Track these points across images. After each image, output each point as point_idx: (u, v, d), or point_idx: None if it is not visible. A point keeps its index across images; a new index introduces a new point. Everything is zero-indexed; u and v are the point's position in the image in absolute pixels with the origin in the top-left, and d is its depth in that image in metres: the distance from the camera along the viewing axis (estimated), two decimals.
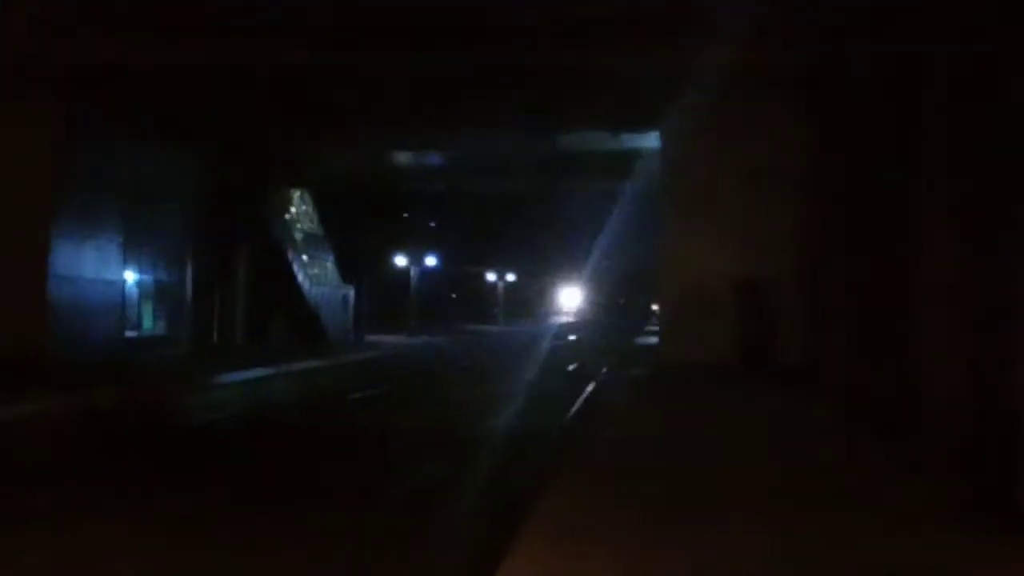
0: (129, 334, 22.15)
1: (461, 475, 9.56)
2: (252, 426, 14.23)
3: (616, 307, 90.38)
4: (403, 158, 27.31)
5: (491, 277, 69.89)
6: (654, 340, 25.61)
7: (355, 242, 37.59)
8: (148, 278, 23.38)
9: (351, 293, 37.46)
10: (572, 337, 47.80)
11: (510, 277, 72.21)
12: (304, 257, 33.31)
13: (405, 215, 46.24)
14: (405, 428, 13.66)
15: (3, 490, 8.89)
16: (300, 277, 32.20)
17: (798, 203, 17.87)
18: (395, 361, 29.41)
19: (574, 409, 15.30)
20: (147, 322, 23.44)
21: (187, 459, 11.04)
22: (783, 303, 18.46)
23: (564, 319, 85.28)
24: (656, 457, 9.79)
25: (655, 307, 41.85)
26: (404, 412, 15.94)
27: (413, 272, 45.04)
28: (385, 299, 44.87)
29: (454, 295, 61.10)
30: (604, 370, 23.81)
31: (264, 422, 14.80)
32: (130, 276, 22.37)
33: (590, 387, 19.24)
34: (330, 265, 36.29)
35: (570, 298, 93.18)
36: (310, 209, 35.00)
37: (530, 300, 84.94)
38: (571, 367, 25.05)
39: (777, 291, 18.58)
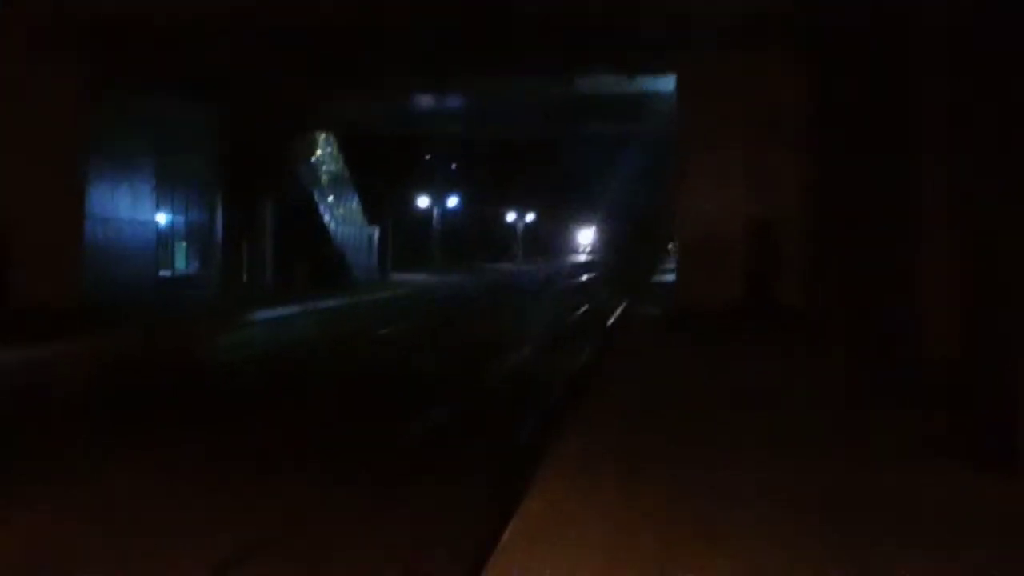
0: (163, 273, 22.68)
1: (474, 418, 10.12)
2: (281, 364, 14.81)
3: (632, 247, 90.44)
4: (424, 102, 26.96)
5: (510, 217, 70.10)
6: (670, 278, 25.76)
7: (379, 183, 37.68)
8: (180, 219, 23.56)
9: (376, 233, 37.84)
10: (586, 277, 48.16)
11: (529, 217, 72.35)
12: (330, 198, 33.47)
13: (427, 157, 46.00)
14: (425, 369, 14.15)
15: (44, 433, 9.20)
16: (326, 217, 32.45)
17: (804, 147, 17.96)
18: (418, 299, 30.18)
19: (584, 356, 15.51)
20: (180, 262, 23.86)
21: (224, 396, 11.71)
22: (789, 245, 18.54)
23: (582, 258, 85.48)
24: (664, 401, 10.05)
25: (671, 247, 41.28)
26: (424, 351, 16.51)
27: (436, 212, 45.47)
28: (409, 239, 45.10)
29: (475, 234, 61.00)
30: (619, 309, 24.22)
31: (293, 360, 15.17)
32: (162, 218, 22.78)
33: (606, 322, 19.83)
34: (355, 206, 36.43)
35: (587, 237, 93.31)
36: (335, 152, 34.83)
37: (548, 240, 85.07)
38: (584, 308, 25.16)
39: (785, 233, 18.64)
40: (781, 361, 13.32)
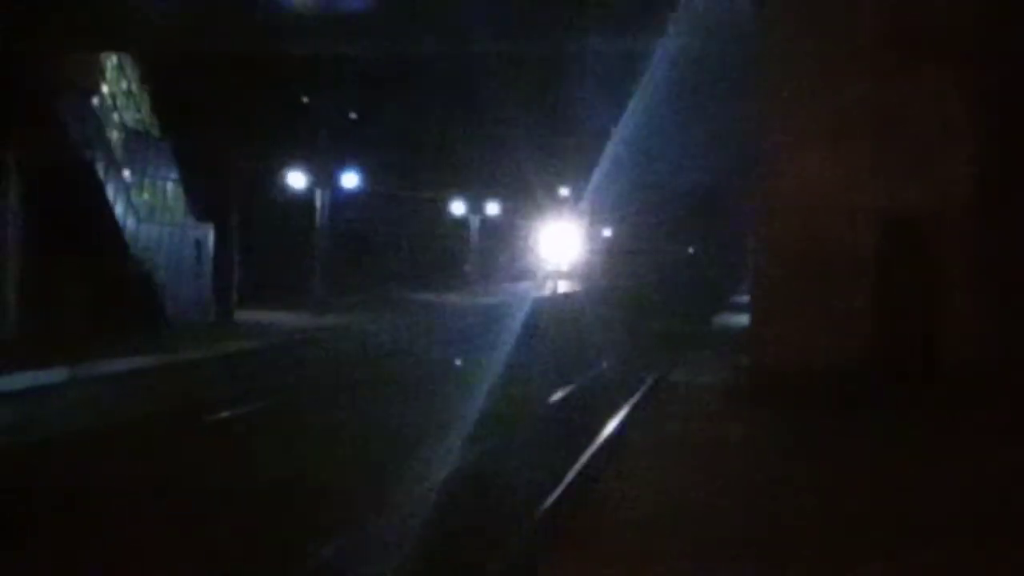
0: None
1: None
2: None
3: (674, 260, 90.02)
4: None
5: (458, 209, 69.23)
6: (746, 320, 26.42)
7: (216, 147, 37.49)
8: None
9: (209, 236, 37.84)
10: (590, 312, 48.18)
11: (491, 210, 71.12)
12: (126, 173, 33.58)
13: (304, 99, 46.58)
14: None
15: None
16: (119, 208, 32.52)
17: (975, 84, 18.45)
18: (274, 371, 29.23)
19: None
20: None
21: None
22: (955, 262, 19.01)
23: (575, 280, 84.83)
24: None
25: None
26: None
27: (320, 199, 44.53)
28: (272, 247, 45.11)
29: (393, 239, 60.77)
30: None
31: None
32: None
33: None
34: (172, 188, 36.81)
35: (588, 240, 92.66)
36: (135, 88, 35.16)
37: (519, 247, 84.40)
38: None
39: (948, 243, 19.02)
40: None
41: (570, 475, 14.33)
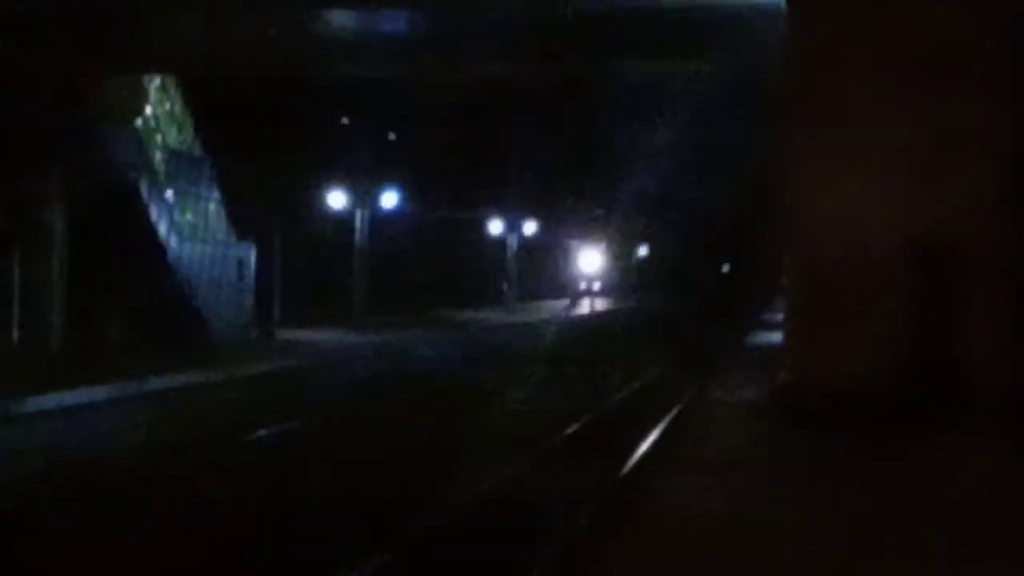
0: None
1: None
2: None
3: (708, 279, 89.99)
4: (340, 20, 27.69)
5: (495, 229, 69.24)
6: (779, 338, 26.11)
7: (258, 168, 37.64)
8: None
9: (251, 255, 37.75)
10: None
11: (528, 229, 71.32)
12: (169, 194, 33.39)
13: (344, 121, 46.40)
14: None
15: None
16: (162, 227, 32.31)
17: (1012, 103, 18.43)
18: (319, 387, 28.89)
19: None
20: None
21: None
22: (983, 283, 18.95)
23: (610, 299, 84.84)
24: None
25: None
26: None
27: (360, 219, 44.85)
28: (312, 266, 45.21)
29: (433, 258, 60.32)
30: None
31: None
32: None
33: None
34: (214, 207, 36.44)
35: (623, 258, 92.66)
36: (179, 110, 34.93)
37: (556, 266, 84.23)
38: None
39: (976, 263, 18.91)
40: None
41: None
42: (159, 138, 33.78)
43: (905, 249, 18.93)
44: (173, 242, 32.69)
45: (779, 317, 33.38)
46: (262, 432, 19.70)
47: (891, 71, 19.01)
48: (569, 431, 20.38)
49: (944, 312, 18.94)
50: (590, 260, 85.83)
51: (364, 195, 45.22)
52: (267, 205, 38.87)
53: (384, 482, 15.86)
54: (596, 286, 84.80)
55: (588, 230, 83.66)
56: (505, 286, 69.60)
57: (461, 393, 26.72)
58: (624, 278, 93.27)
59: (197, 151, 35.63)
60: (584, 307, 76.90)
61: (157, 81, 33.39)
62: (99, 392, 22.83)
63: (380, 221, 47.64)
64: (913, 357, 18.70)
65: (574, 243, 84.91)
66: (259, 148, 37.66)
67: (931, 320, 18.95)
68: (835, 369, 18.76)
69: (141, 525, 13.31)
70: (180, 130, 34.97)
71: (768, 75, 22.98)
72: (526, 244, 73.17)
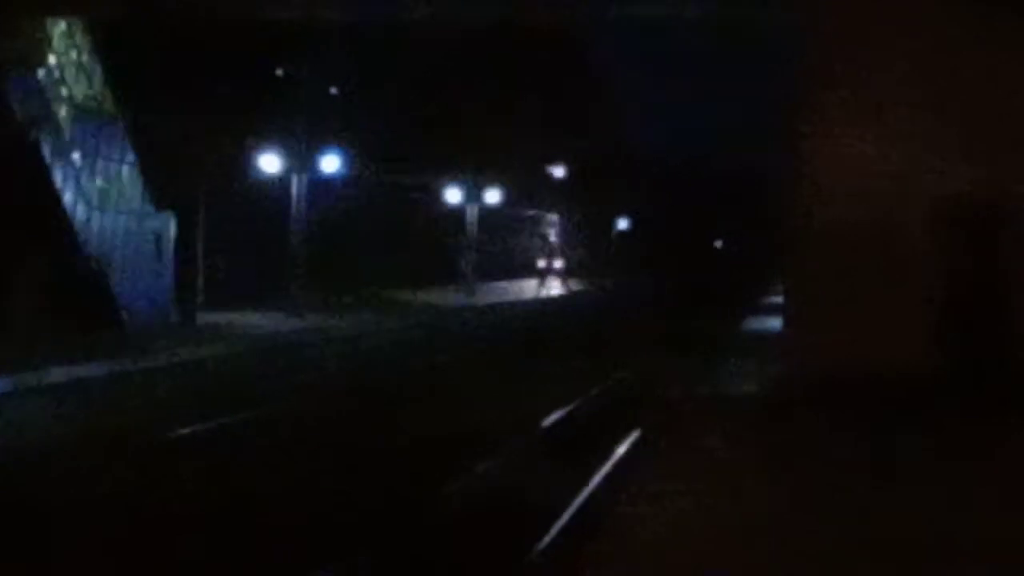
0: None
1: None
2: None
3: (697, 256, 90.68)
4: None
5: (453, 197, 68.30)
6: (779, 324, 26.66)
7: (179, 126, 37.24)
8: None
9: (170, 226, 37.44)
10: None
11: (491, 197, 70.48)
12: (75, 155, 33.65)
13: (279, 71, 46.34)
14: None
15: None
16: (67, 195, 32.65)
17: None
18: (243, 380, 28.74)
19: None
20: None
21: None
22: (1018, 249, 19.53)
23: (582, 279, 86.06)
24: None
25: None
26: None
27: (296, 185, 44.25)
28: (241, 240, 45.47)
29: (380, 231, 60.88)
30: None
31: None
32: None
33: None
34: (128, 172, 36.53)
35: (599, 233, 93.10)
36: (86, 60, 34.97)
37: (523, 240, 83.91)
38: None
39: (1011, 227, 19.51)
40: None
41: None
42: (64, 91, 33.95)
43: (926, 217, 19.51)
44: (80, 212, 33.02)
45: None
46: (171, 434, 19.10)
47: (926, 16, 19.52)
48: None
49: (979, 287, 19.61)
50: (564, 234, 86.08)
51: (302, 158, 44.47)
52: (189, 169, 38.64)
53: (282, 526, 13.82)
54: (562, 264, 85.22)
55: (562, 201, 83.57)
56: (464, 263, 68.67)
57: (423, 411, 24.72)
58: (602, 256, 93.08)
59: (108, 107, 35.68)
60: (555, 287, 78.05)
61: (62, 26, 33.44)
62: None
63: (320, 188, 47.11)
64: (939, 342, 19.26)
65: (544, 215, 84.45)
66: (180, 104, 37.12)
67: (968, 290, 19.65)
68: (837, 357, 19.09)
69: None
70: (89, 82, 35.07)
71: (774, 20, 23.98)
72: (488, 215, 72.15)
